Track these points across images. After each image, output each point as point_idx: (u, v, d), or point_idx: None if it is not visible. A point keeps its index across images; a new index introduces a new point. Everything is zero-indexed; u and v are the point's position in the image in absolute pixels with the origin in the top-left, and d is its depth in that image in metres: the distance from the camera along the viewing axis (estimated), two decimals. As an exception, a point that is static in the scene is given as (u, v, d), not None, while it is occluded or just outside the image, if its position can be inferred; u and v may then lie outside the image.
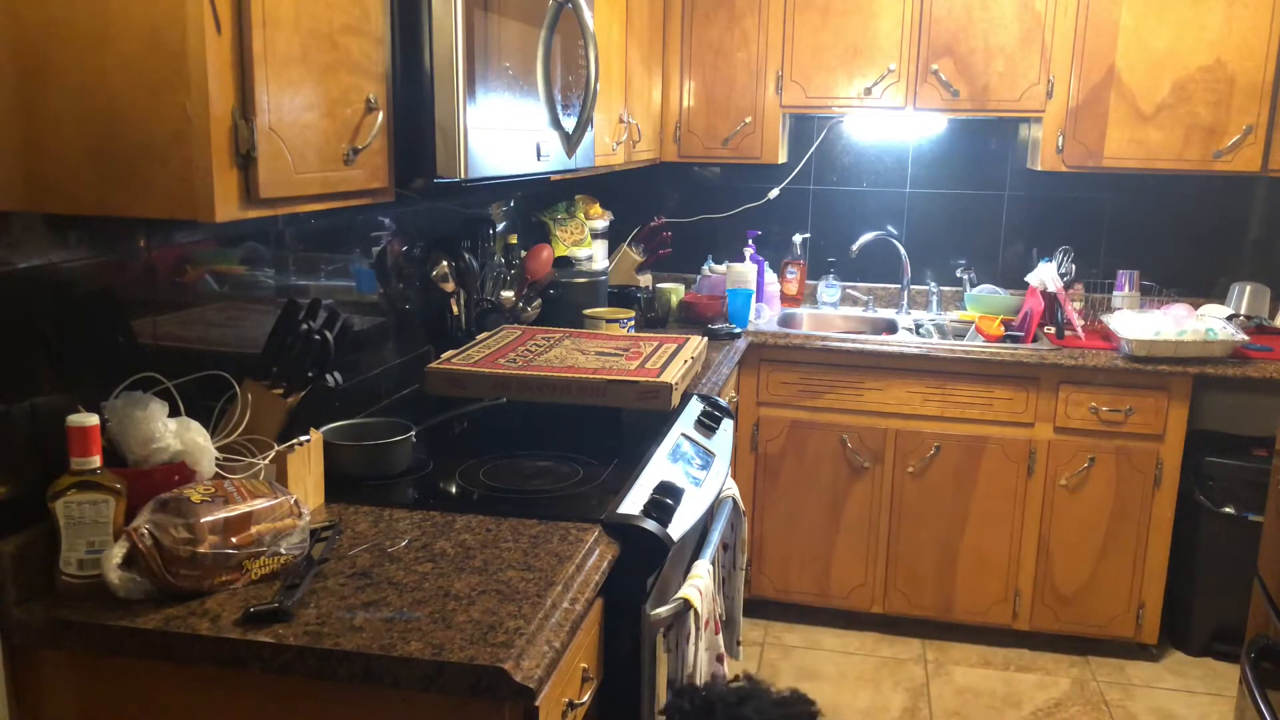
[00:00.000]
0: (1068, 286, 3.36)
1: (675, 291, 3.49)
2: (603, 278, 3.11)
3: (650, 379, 2.02)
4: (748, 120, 3.46)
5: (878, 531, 3.28)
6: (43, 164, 1.23)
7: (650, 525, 1.65)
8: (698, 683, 1.72)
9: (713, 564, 1.95)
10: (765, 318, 3.53)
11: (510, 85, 1.84)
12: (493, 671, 1.20)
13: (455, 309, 2.44)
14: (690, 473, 1.99)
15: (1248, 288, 3.44)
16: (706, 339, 2.61)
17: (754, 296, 3.42)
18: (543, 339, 2.37)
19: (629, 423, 2.14)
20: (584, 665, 1.49)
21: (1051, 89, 3.23)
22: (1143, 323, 3.07)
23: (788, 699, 1.37)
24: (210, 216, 1.20)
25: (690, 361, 2.22)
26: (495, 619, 1.31)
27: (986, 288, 3.66)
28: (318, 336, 1.68)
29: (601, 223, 3.46)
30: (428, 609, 1.33)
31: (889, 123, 3.68)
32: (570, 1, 1.89)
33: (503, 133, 1.82)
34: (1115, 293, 3.48)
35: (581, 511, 1.68)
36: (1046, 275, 3.27)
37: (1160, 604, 3.17)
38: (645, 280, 3.50)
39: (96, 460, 1.32)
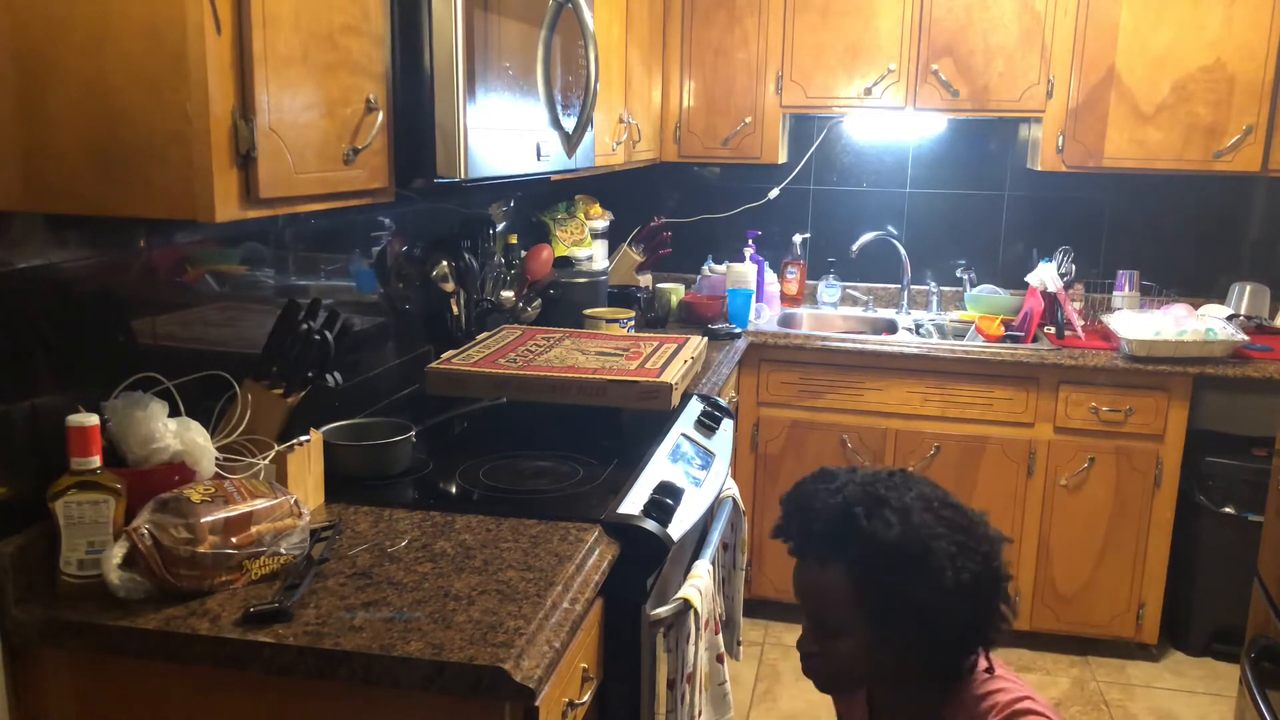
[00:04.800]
0: (1068, 286, 3.36)
1: (675, 291, 3.49)
2: (603, 278, 3.10)
3: (650, 379, 2.02)
4: (748, 120, 3.46)
5: (878, 531, 3.27)
6: (43, 164, 1.23)
7: (650, 525, 1.65)
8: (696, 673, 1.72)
9: (713, 564, 1.95)
10: (765, 318, 3.53)
11: (510, 85, 1.84)
12: (493, 671, 1.20)
13: (455, 309, 2.44)
14: (690, 473, 1.99)
15: (1248, 288, 3.44)
16: (706, 339, 2.61)
17: (754, 296, 3.42)
18: (543, 339, 2.37)
19: (629, 423, 2.14)
20: (584, 665, 1.49)
21: (1051, 89, 3.23)
22: (1143, 323, 3.07)
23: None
24: (210, 217, 1.20)
25: (690, 361, 2.22)
26: (495, 619, 1.31)
27: (986, 288, 3.65)
28: (318, 336, 1.68)
29: (601, 223, 3.46)
30: (428, 609, 1.33)
31: (889, 123, 3.68)
32: (570, 1, 1.89)
33: (503, 133, 1.82)
34: (1115, 293, 3.48)
35: (581, 511, 1.68)
36: (1046, 275, 3.27)
37: (1160, 604, 3.17)
38: (645, 280, 3.50)
39: (96, 460, 1.32)
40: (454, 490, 1.81)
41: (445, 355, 2.18)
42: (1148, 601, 3.16)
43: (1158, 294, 3.45)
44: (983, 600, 1.32)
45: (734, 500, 2.25)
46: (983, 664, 1.38)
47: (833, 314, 3.71)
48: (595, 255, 3.37)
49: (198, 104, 1.18)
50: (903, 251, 3.67)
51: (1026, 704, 1.32)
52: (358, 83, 1.47)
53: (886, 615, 1.31)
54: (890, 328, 3.54)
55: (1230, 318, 3.31)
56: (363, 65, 1.49)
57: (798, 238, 3.75)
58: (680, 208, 3.88)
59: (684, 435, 2.15)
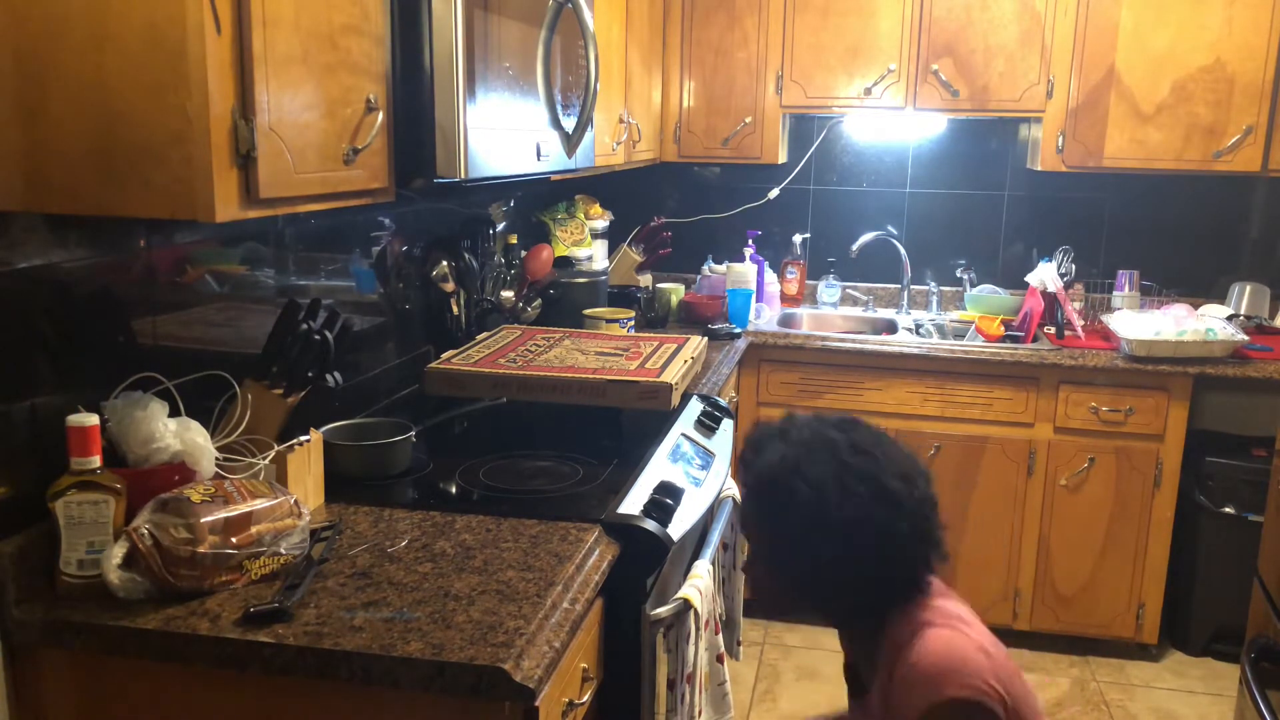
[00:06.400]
0: (1068, 286, 3.36)
1: (675, 291, 3.49)
2: (603, 278, 3.11)
3: (650, 379, 2.02)
4: (748, 120, 3.46)
5: (878, 531, 3.27)
6: (43, 164, 1.23)
7: (650, 525, 1.65)
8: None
9: (713, 564, 1.95)
10: (765, 318, 3.53)
11: (510, 85, 1.84)
12: (493, 671, 1.20)
13: (455, 309, 2.44)
14: (690, 473, 1.99)
15: (1248, 288, 3.44)
16: (706, 339, 2.61)
17: (754, 296, 3.42)
18: (543, 339, 2.37)
19: (629, 423, 2.14)
20: (584, 665, 1.49)
21: (1051, 89, 3.23)
22: (1143, 323, 3.07)
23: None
24: (210, 217, 1.20)
25: (690, 361, 2.22)
26: (495, 619, 1.31)
27: (986, 288, 3.65)
28: (318, 336, 1.68)
29: (601, 223, 3.46)
30: (428, 609, 1.33)
31: (889, 123, 3.68)
32: (570, 1, 1.89)
33: (503, 133, 1.82)
34: (1115, 293, 3.48)
35: (581, 511, 1.68)
36: (1046, 275, 3.27)
37: (1160, 604, 3.17)
38: (645, 280, 3.50)
39: (96, 460, 1.32)
40: (454, 490, 1.81)
41: (445, 355, 2.18)
42: (1148, 601, 3.16)
43: (1158, 294, 3.45)
44: (869, 550, 1.34)
45: (734, 500, 2.25)
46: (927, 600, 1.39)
47: (833, 314, 3.70)
48: (595, 255, 3.37)
49: (198, 104, 1.18)
50: (903, 251, 3.67)
51: (940, 619, 1.33)
52: (358, 83, 1.47)
53: (764, 540, 1.41)
54: (890, 328, 3.54)
55: (1230, 318, 3.31)
56: (363, 65, 1.49)
57: (798, 238, 3.75)
58: (680, 208, 3.88)
59: (684, 435, 2.15)
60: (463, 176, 1.67)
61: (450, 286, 2.42)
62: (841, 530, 1.34)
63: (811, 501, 1.34)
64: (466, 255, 2.44)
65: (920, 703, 1.26)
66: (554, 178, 2.44)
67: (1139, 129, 3.14)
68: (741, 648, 2.37)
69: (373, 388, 2.26)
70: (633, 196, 3.80)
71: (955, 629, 1.32)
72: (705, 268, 3.71)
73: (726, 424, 2.37)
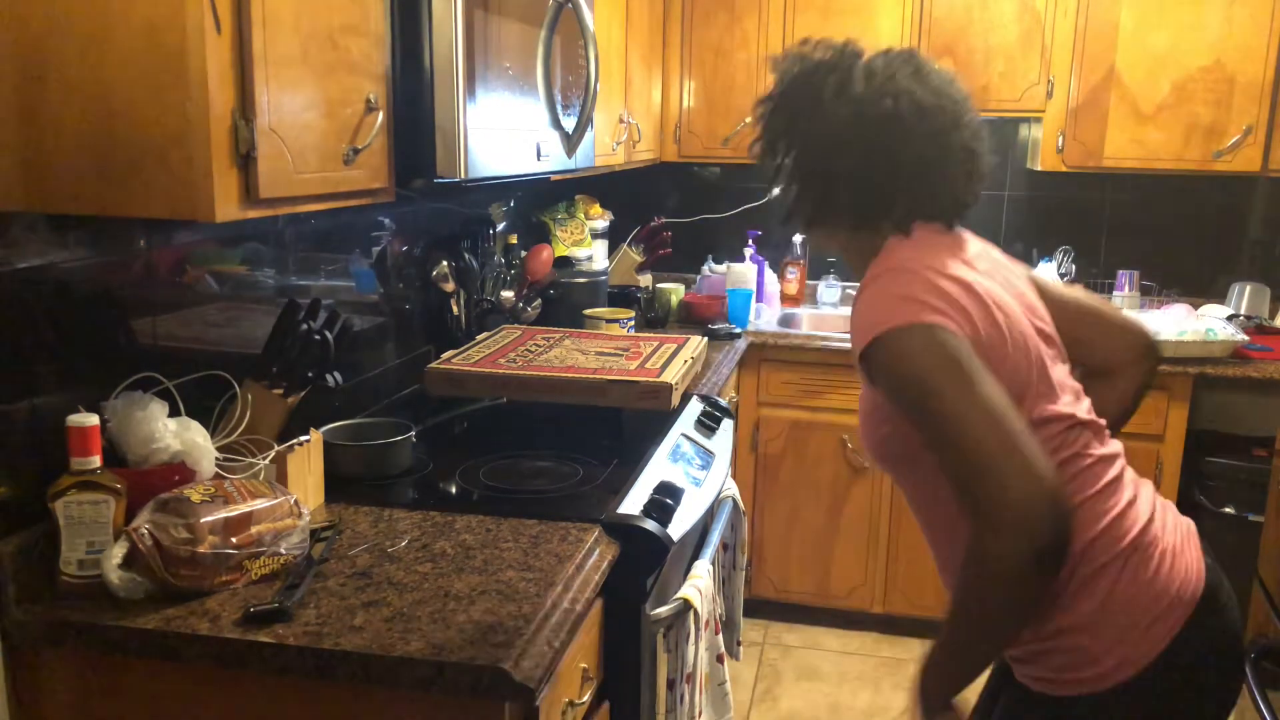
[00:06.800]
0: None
1: (675, 291, 3.49)
2: (603, 278, 3.10)
3: (650, 379, 2.02)
4: (748, 120, 3.45)
5: (878, 531, 3.28)
6: (43, 164, 1.23)
7: (650, 525, 1.65)
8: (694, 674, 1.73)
9: (713, 564, 1.95)
10: (765, 318, 3.53)
11: (510, 85, 1.84)
12: (493, 671, 1.20)
13: (455, 309, 2.44)
14: (690, 473, 1.99)
15: (1248, 288, 3.44)
16: (706, 339, 2.60)
17: (754, 296, 3.42)
18: (543, 339, 2.37)
19: (629, 423, 2.14)
20: (584, 665, 1.49)
21: (1051, 89, 3.23)
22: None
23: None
24: (210, 217, 1.20)
25: (690, 361, 2.22)
26: (495, 619, 1.31)
27: (986, 288, 3.65)
28: (318, 336, 1.68)
29: (601, 223, 3.46)
30: (428, 609, 1.33)
31: (889, 123, 3.67)
32: (570, 1, 1.89)
33: (503, 133, 1.82)
34: (1115, 293, 3.47)
35: (581, 511, 1.68)
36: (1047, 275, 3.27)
37: (1160, 604, 3.16)
38: (645, 280, 3.50)
39: (96, 460, 1.32)
40: (454, 490, 1.81)
41: (445, 355, 2.17)
42: (1148, 601, 3.16)
43: (1158, 294, 3.45)
44: (859, 151, 1.36)
45: (734, 500, 2.25)
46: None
47: (833, 314, 3.70)
48: (595, 255, 3.37)
49: (198, 104, 1.18)
50: (903, 251, 3.66)
51: (897, 263, 1.32)
52: (358, 83, 1.47)
53: (786, 146, 1.40)
54: (890, 328, 3.53)
55: (1230, 318, 3.31)
56: (363, 65, 1.49)
57: (798, 238, 3.75)
58: (680, 208, 3.88)
59: (684, 435, 2.15)
60: (463, 176, 1.67)
61: (450, 286, 2.42)
62: (848, 136, 1.34)
63: (811, 103, 1.35)
64: (466, 255, 2.44)
65: (854, 352, 1.29)
66: (554, 178, 2.44)
67: (1139, 129, 3.14)
68: (741, 648, 2.37)
69: (373, 388, 2.26)
70: (633, 196, 3.80)
71: (889, 277, 1.31)
72: (705, 268, 3.71)
73: (726, 424, 2.37)
